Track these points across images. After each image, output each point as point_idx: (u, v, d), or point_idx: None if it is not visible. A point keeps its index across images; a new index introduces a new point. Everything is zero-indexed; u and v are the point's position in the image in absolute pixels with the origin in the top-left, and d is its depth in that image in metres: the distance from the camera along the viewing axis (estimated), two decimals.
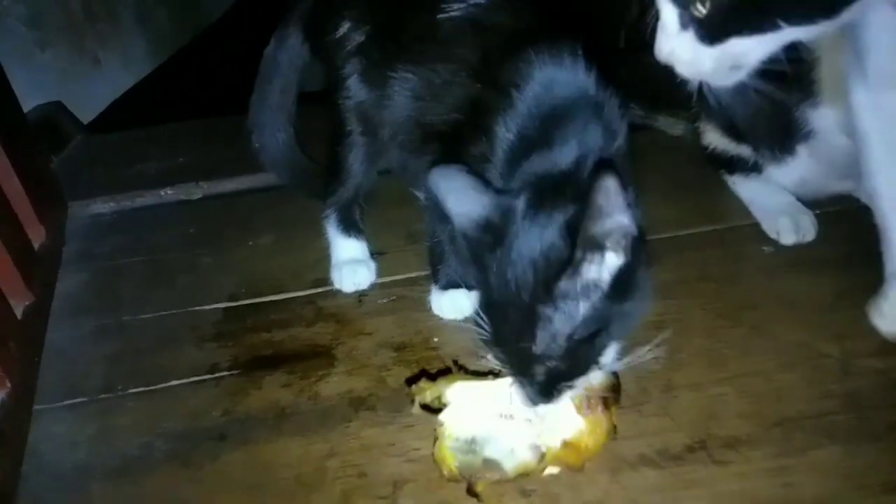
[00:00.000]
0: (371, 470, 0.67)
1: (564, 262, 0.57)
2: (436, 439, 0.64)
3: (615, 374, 0.66)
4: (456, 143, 0.71)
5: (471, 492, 0.62)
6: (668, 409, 0.69)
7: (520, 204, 0.60)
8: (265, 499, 0.66)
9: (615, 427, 0.64)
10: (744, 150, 0.90)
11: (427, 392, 0.66)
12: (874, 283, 0.80)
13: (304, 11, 0.90)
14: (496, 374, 0.67)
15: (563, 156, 0.63)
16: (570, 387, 0.61)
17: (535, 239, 0.59)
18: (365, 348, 0.80)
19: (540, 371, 0.60)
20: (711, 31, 0.56)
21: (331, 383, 0.77)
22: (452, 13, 0.71)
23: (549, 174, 0.62)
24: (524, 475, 0.63)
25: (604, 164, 0.58)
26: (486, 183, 0.63)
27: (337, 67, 0.81)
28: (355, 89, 0.81)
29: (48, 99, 1.28)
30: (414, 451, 0.68)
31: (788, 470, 0.64)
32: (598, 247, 0.57)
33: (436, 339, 0.80)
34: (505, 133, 0.66)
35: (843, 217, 0.89)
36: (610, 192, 0.54)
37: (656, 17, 0.60)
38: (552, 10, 0.72)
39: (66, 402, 0.78)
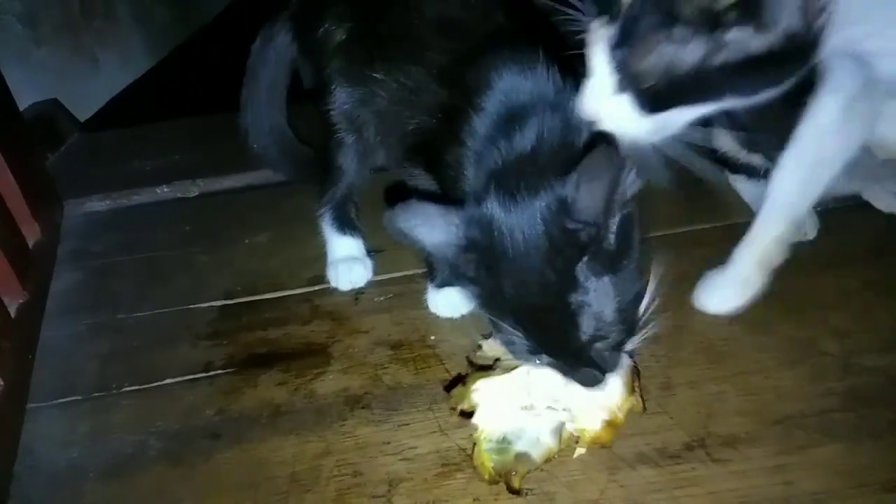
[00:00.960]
0: (366, 469, 0.67)
1: (573, 243, 0.56)
2: (474, 445, 0.64)
3: (631, 357, 0.66)
4: (430, 148, 0.70)
5: (511, 490, 0.62)
6: (667, 407, 0.69)
7: (492, 207, 0.59)
8: (259, 498, 0.66)
9: (644, 404, 0.66)
10: (755, 160, 0.89)
11: (465, 398, 0.65)
12: (875, 280, 0.79)
13: (293, 9, 0.90)
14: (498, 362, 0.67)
15: (524, 143, 0.62)
16: (624, 352, 0.62)
17: (530, 234, 0.58)
18: (361, 346, 0.80)
19: (594, 353, 0.60)
20: (655, 101, 0.53)
21: (326, 381, 0.76)
22: (423, 12, 0.71)
23: (513, 166, 0.61)
24: (549, 459, 0.63)
25: (595, 138, 0.58)
26: (446, 203, 0.62)
27: (321, 67, 0.81)
28: (339, 88, 0.80)
29: (45, 97, 1.28)
30: (409, 449, 0.68)
31: (788, 468, 0.63)
32: (605, 215, 0.56)
33: (433, 337, 0.79)
34: (472, 140, 0.65)
35: (845, 214, 0.88)
36: (605, 162, 0.54)
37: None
38: (525, 11, 0.71)
39: (59, 401, 0.78)
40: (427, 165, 0.73)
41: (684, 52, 0.49)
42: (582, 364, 0.60)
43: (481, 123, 0.65)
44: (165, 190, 1.10)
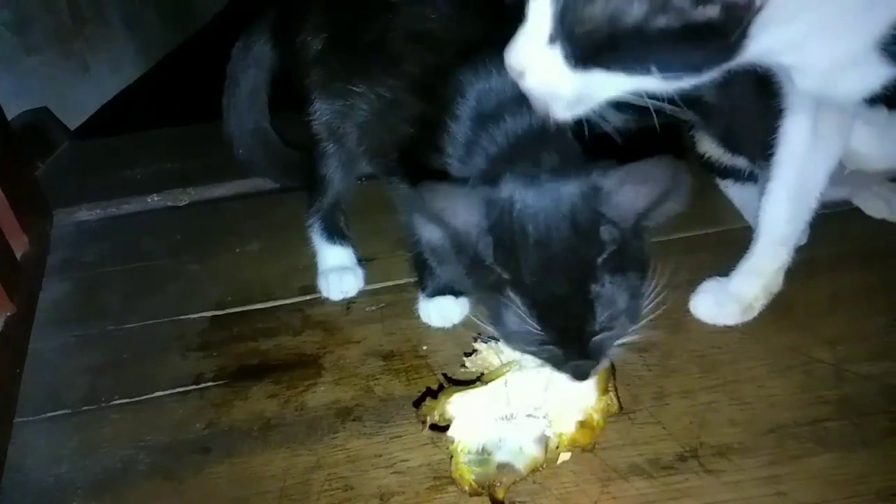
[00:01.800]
0: (357, 482, 0.66)
1: (598, 235, 0.57)
2: (451, 457, 0.63)
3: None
4: (411, 158, 0.70)
5: (494, 501, 0.61)
6: (660, 417, 0.68)
7: (512, 188, 0.59)
8: None
9: (620, 404, 0.65)
10: (739, 161, 0.89)
11: (434, 411, 0.65)
12: (867, 286, 0.79)
13: (272, 18, 0.90)
14: (480, 379, 0.67)
15: (529, 125, 0.63)
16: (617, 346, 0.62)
17: (555, 218, 0.57)
18: (352, 357, 0.79)
19: (595, 344, 0.60)
20: (584, 53, 0.51)
21: (317, 393, 0.75)
22: (401, 25, 0.71)
23: (525, 149, 0.62)
24: (535, 470, 0.63)
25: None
26: (466, 182, 0.62)
27: (300, 77, 0.81)
28: (319, 100, 0.80)
29: (35, 105, 1.27)
30: (401, 462, 0.67)
31: (781, 478, 0.63)
32: (639, 218, 0.58)
33: (424, 347, 0.79)
34: (453, 149, 0.65)
35: (836, 219, 0.88)
36: (666, 172, 0.55)
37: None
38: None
39: (48, 415, 0.77)
40: (409, 178, 0.72)
41: (631, 5, 0.48)
42: (584, 355, 0.60)
43: (460, 135, 0.65)
44: (156, 198, 1.09)
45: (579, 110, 0.55)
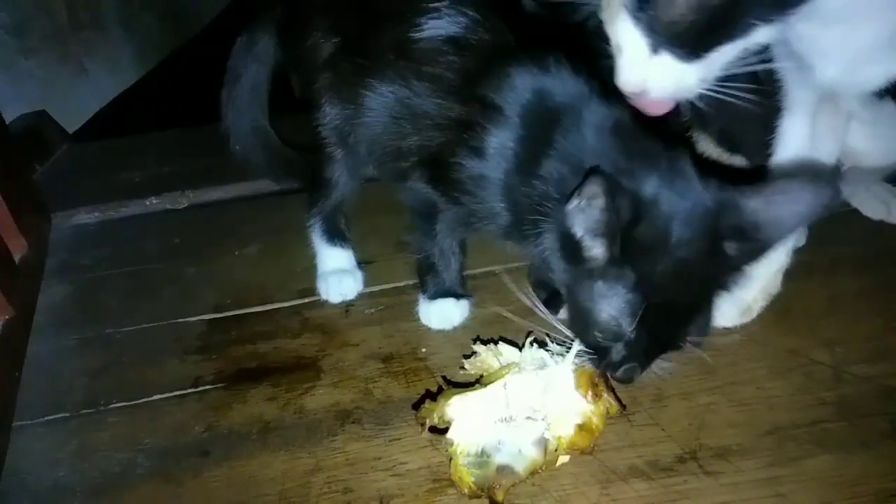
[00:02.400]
0: (357, 485, 0.66)
1: (729, 256, 0.57)
2: (450, 460, 0.63)
3: None
4: (438, 162, 0.70)
5: (494, 503, 0.61)
6: (659, 418, 0.68)
7: (654, 187, 0.58)
8: None
9: (622, 404, 0.66)
10: (737, 160, 0.89)
11: (434, 413, 0.65)
12: (865, 288, 0.79)
13: (278, 17, 0.89)
14: (479, 382, 0.67)
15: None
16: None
17: (695, 226, 0.57)
18: (351, 360, 0.79)
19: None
20: (691, 46, 0.54)
21: (316, 396, 0.75)
22: (427, 32, 0.70)
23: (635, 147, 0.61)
24: (535, 472, 0.63)
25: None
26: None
27: (310, 81, 0.80)
28: (329, 104, 0.79)
29: (33, 108, 1.27)
30: (400, 465, 0.67)
31: (780, 480, 0.63)
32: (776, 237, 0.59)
33: (423, 350, 0.79)
34: (503, 148, 0.65)
35: (834, 221, 0.87)
36: (821, 198, 0.55)
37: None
38: (534, 25, 0.71)
39: (46, 418, 0.77)
40: (434, 180, 0.72)
41: None
42: (647, 363, 0.61)
43: (508, 132, 0.65)
44: (154, 202, 1.09)
45: (709, 81, 0.58)
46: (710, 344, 0.75)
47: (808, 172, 0.61)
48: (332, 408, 0.74)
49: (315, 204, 0.86)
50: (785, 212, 0.57)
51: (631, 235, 0.57)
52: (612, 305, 0.59)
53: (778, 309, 0.78)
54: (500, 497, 0.61)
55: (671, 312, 0.59)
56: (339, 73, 0.78)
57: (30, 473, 0.71)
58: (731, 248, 0.58)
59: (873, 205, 0.87)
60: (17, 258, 0.92)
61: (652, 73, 0.56)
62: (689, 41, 0.54)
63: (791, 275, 0.82)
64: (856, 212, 0.89)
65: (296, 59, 0.84)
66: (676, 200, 0.58)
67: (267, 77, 0.94)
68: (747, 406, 0.69)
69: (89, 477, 0.70)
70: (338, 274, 0.87)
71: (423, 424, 0.65)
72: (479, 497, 0.62)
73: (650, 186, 0.58)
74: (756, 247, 0.59)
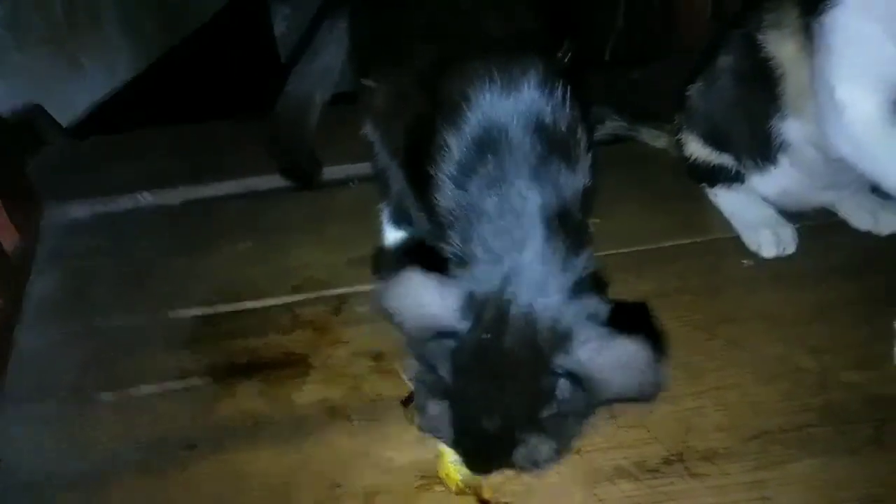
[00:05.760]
0: (344, 481, 0.66)
1: (551, 390, 0.53)
2: (438, 457, 0.63)
3: None
4: (414, 169, 0.64)
5: (481, 500, 0.62)
6: (646, 421, 0.69)
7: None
8: None
9: None
10: (726, 160, 0.90)
11: None
12: (852, 297, 0.80)
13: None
14: None
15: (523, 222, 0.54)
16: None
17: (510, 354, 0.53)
18: (342, 357, 0.79)
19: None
20: None
21: (305, 392, 0.75)
22: (412, 16, 0.68)
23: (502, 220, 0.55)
24: None
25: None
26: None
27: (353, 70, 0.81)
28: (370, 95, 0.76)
29: (28, 102, 1.26)
30: (388, 461, 0.67)
31: (766, 483, 0.63)
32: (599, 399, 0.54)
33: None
34: (450, 167, 0.57)
35: (823, 231, 0.89)
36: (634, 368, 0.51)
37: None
38: (531, 23, 0.68)
39: (32, 409, 0.76)
40: (416, 193, 0.66)
41: None
42: (486, 471, 0.58)
43: (461, 146, 0.56)
44: (147, 197, 1.08)
45: None
46: (696, 349, 0.76)
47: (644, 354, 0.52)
48: (321, 404, 0.74)
49: (382, 192, 0.86)
50: (612, 374, 0.52)
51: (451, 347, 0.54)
52: (433, 404, 0.56)
53: (766, 316, 0.79)
54: (486, 495, 0.61)
55: (486, 437, 0.54)
56: (367, 62, 0.77)
57: (16, 463, 0.71)
58: (563, 390, 0.53)
59: (861, 215, 0.88)
60: (7, 249, 0.92)
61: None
62: None
63: (779, 283, 0.83)
64: (843, 223, 0.90)
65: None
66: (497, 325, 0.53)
67: (341, 61, 0.96)
68: (734, 410, 0.70)
69: (75, 467, 0.70)
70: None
71: (411, 419, 0.65)
72: (465, 494, 0.62)
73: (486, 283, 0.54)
74: (586, 399, 0.53)
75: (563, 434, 0.55)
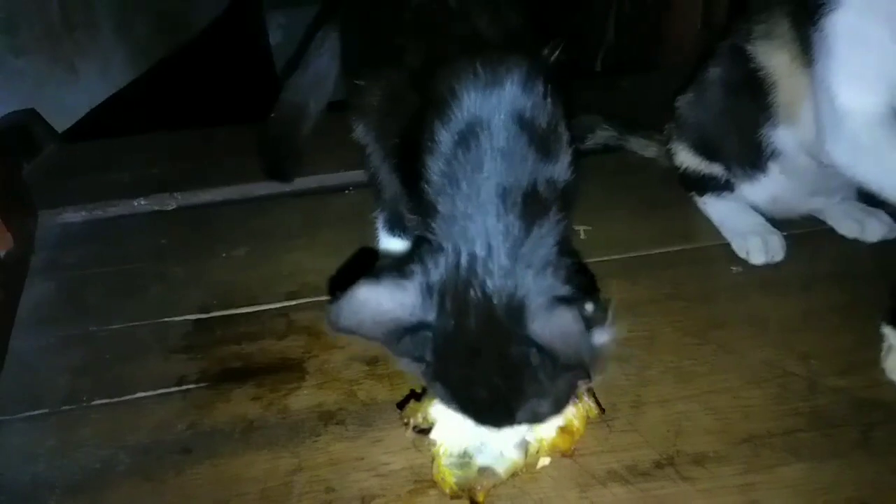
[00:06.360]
0: (339, 485, 0.66)
1: (527, 358, 0.55)
2: (432, 460, 0.64)
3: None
4: (406, 168, 0.65)
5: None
6: (637, 424, 0.70)
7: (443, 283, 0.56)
8: None
9: (601, 407, 0.66)
10: (716, 169, 0.92)
11: (418, 413, 0.65)
12: (839, 303, 0.82)
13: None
14: None
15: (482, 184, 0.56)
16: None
17: (486, 328, 0.55)
18: (336, 362, 0.80)
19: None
20: None
21: (300, 397, 0.76)
22: (405, 14, 0.69)
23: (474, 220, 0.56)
24: (515, 474, 0.64)
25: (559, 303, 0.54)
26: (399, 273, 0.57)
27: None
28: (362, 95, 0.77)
29: (22, 106, 1.27)
30: (383, 465, 0.68)
31: (755, 486, 0.64)
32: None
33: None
34: (437, 177, 0.58)
35: (810, 238, 0.91)
36: (570, 337, 0.52)
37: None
38: (519, 24, 0.69)
39: (26, 414, 0.76)
40: (408, 192, 0.67)
41: None
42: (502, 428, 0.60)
43: (444, 148, 0.58)
44: (143, 202, 1.09)
45: None
46: (686, 354, 0.77)
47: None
48: (316, 408, 0.74)
49: (378, 199, 0.87)
50: (557, 343, 0.53)
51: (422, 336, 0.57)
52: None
53: (755, 322, 0.80)
54: (480, 498, 0.62)
55: (487, 407, 0.58)
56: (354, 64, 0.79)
57: (8, 469, 0.71)
58: (534, 357, 0.55)
59: (847, 223, 0.90)
60: (1, 254, 0.92)
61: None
62: None
63: (768, 290, 0.85)
64: (831, 230, 0.91)
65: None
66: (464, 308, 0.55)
67: (335, 71, 0.98)
68: (724, 414, 0.71)
69: (69, 474, 0.70)
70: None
71: (406, 423, 0.66)
72: (460, 498, 0.63)
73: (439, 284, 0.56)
74: (554, 362, 0.55)
75: (554, 391, 0.58)
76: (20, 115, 1.24)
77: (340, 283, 0.55)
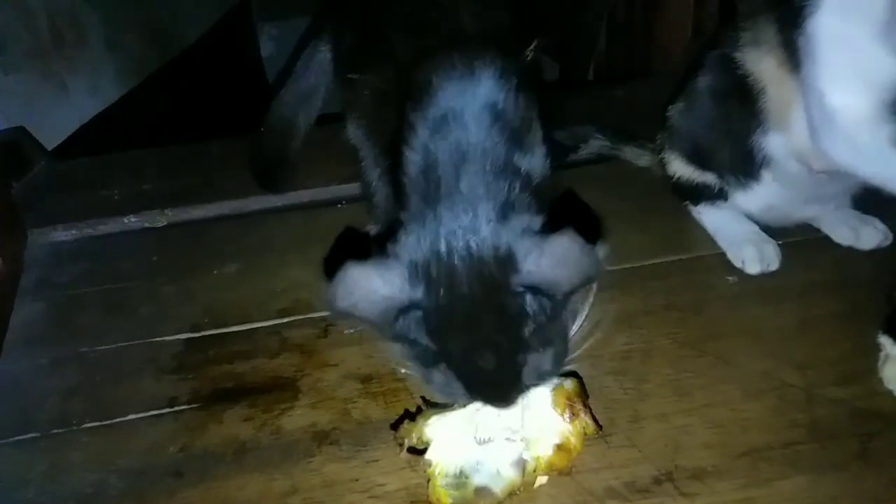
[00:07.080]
0: None
1: (522, 308, 0.57)
2: (428, 480, 0.63)
3: (579, 379, 0.67)
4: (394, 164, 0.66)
5: None
6: (635, 440, 0.69)
7: (431, 256, 0.57)
8: None
9: (598, 424, 0.66)
10: (709, 178, 0.91)
11: (412, 433, 0.65)
12: (836, 312, 0.81)
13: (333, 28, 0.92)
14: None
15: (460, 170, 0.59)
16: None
17: (477, 291, 0.57)
18: (330, 380, 0.79)
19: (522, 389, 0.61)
20: None
21: (294, 417, 0.75)
22: (392, 10, 0.71)
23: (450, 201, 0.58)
24: (513, 493, 0.63)
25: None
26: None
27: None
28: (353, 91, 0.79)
29: (12, 124, 1.26)
30: (378, 486, 0.67)
31: (754, 500, 0.64)
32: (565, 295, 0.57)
33: (403, 371, 0.78)
34: (414, 163, 0.61)
35: (805, 247, 0.90)
36: (572, 257, 0.54)
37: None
38: (503, 22, 0.71)
39: (15, 438, 0.75)
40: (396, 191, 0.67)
41: None
42: (507, 404, 0.61)
43: (421, 144, 0.61)
44: (133, 220, 1.08)
45: None
46: (684, 367, 0.76)
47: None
48: (310, 429, 0.73)
49: (369, 209, 0.87)
50: (557, 272, 0.55)
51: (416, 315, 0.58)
52: (436, 373, 0.61)
53: (751, 332, 0.80)
54: None
55: (493, 375, 0.58)
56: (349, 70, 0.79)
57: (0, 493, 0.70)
58: (531, 304, 0.57)
59: (842, 231, 0.90)
60: None
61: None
62: None
63: (764, 299, 0.84)
64: (827, 239, 0.91)
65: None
66: (453, 270, 0.57)
67: (324, 87, 0.99)
68: (722, 428, 0.70)
69: (60, 498, 0.69)
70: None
71: (401, 444, 0.65)
72: None
73: (427, 256, 0.57)
74: (552, 302, 0.57)
75: (554, 339, 0.60)
76: (9, 132, 1.23)
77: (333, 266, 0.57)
